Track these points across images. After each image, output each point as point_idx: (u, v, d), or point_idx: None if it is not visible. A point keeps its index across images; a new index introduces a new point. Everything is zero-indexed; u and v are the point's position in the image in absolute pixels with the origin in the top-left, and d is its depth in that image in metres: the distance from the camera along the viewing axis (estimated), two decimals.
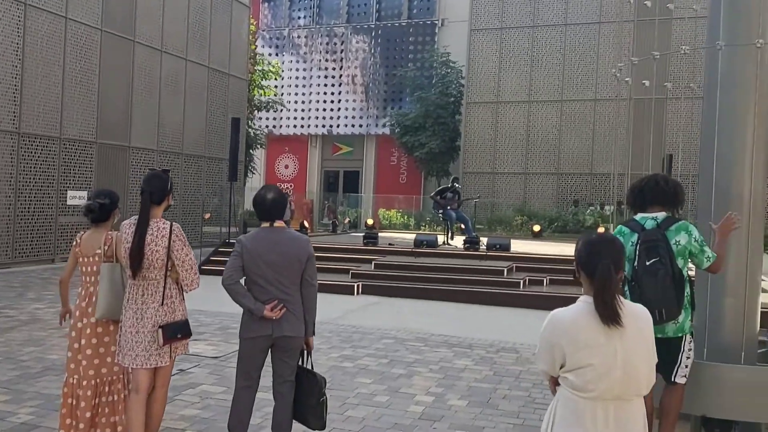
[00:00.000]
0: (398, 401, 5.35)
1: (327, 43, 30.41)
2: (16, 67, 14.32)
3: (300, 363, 3.94)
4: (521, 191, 23.60)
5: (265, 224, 3.87)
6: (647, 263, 3.85)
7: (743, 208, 4.80)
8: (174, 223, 3.95)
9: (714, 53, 4.97)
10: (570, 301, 8.19)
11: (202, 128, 20.14)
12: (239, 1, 22.19)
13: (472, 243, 12.90)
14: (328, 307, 8.99)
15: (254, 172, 25.67)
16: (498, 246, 12.57)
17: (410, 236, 17.41)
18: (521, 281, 10.87)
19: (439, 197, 14.59)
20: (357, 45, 29.96)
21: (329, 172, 30.55)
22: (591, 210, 21.65)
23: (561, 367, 2.40)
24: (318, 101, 30.18)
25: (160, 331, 3.83)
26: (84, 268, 4.35)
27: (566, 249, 14.01)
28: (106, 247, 4.26)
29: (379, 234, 15.03)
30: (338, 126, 29.80)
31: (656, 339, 3.98)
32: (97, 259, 4.30)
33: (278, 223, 3.88)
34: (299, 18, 31.08)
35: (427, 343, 7.59)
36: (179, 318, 3.94)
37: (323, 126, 30.02)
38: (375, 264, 12.08)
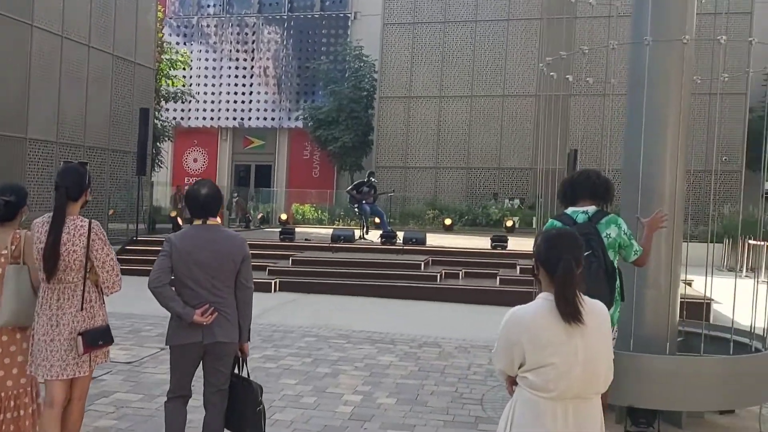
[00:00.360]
0: (326, 402, 5.25)
1: (238, 33, 29.67)
2: None
3: (235, 371, 3.70)
4: (432, 185, 23.92)
5: (198, 221, 3.62)
6: None
7: (665, 202, 5.00)
8: (93, 220, 3.66)
9: (639, 49, 5.13)
10: (485, 294, 8.38)
11: (105, 119, 19.16)
12: None
13: (388, 237, 12.91)
14: None
15: (161, 165, 24.72)
16: (414, 240, 12.65)
17: (326, 231, 17.26)
18: (438, 275, 10.99)
19: (354, 191, 14.53)
20: (269, 36, 29.39)
21: (240, 166, 29.85)
22: (497, 203, 22.16)
23: (520, 367, 2.35)
24: (228, 93, 29.39)
25: (79, 338, 3.54)
26: None
27: (479, 242, 14.31)
28: (12, 248, 3.91)
29: (295, 229, 14.77)
30: (250, 119, 29.15)
31: None
32: (2, 260, 3.93)
33: (212, 221, 3.62)
34: (208, 6, 30.14)
35: (350, 339, 7.51)
36: (99, 323, 3.64)
37: (234, 119, 29.28)
38: (292, 260, 11.89)
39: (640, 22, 5.36)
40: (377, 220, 16.21)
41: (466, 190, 23.78)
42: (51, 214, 3.64)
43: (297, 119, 28.02)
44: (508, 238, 12.86)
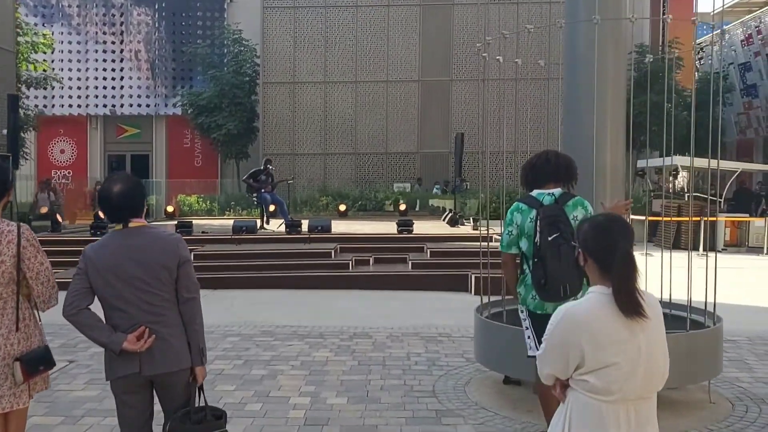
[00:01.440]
0: (274, 407, 4.94)
1: (104, 15, 27.67)
2: None
3: (196, 398, 3.04)
4: (321, 172, 23.68)
5: (117, 227, 2.96)
6: (549, 239, 3.86)
7: (606, 180, 5.08)
8: (22, 224, 3.09)
9: (574, 29, 5.16)
10: (399, 279, 8.26)
11: None
12: None
13: (293, 226, 12.54)
14: None
15: (26, 157, 22.65)
16: (320, 228, 12.37)
17: (219, 223, 16.61)
18: (349, 262, 10.79)
19: (251, 180, 13.99)
20: (139, 18, 27.65)
21: (114, 156, 27.96)
22: (420, 188, 22.11)
23: (575, 369, 2.17)
24: (97, 78, 27.37)
25: (17, 364, 2.99)
26: None
27: (382, 227, 14.25)
28: None
29: (192, 222, 14.00)
30: (122, 106, 27.33)
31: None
32: None
33: (135, 222, 2.96)
34: None
35: (276, 336, 7.17)
36: (36, 345, 3.10)
37: (104, 105, 27.33)
38: (195, 254, 11.20)
39: (574, 2, 5.40)
40: (272, 208, 15.74)
41: (355, 176, 23.73)
42: None
43: (175, 106, 26.63)
44: (413, 221, 12.85)
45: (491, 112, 23.60)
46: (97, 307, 2.91)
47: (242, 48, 25.09)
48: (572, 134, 5.32)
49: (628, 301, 2.10)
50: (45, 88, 24.13)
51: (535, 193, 4.11)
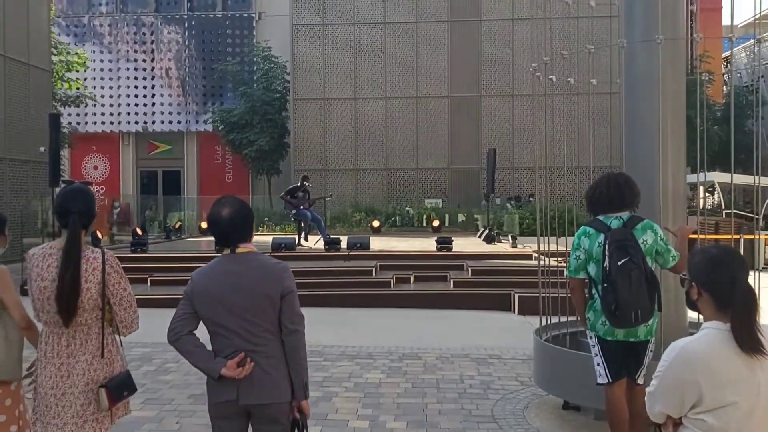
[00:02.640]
0: (332, 431, 4.88)
1: (135, 33, 28.13)
2: None
3: None
4: (353, 187, 23.68)
5: (226, 250, 2.92)
6: (619, 263, 3.79)
7: (669, 201, 4.99)
8: (106, 251, 3.09)
9: (633, 49, 5.10)
10: (441, 298, 8.14)
11: (0, 126, 17.56)
12: None
13: (332, 244, 12.53)
14: None
15: (62, 174, 22.96)
16: (359, 245, 12.34)
17: (255, 239, 16.58)
18: (391, 280, 10.73)
19: (289, 197, 14.03)
20: (169, 36, 28.06)
21: (146, 172, 28.29)
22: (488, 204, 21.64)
23: (691, 408, 2.09)
24: (129, 95, 27.80)
25: (102, 391, 2.98)
26: None
27: (420, 244, 14.19)
28: None
29: None
30: (154, 122, 27.70)
31: (628, 343, 3.99)
32: None
33: (243, 248, 2.92)
34: (100, 5, 28.37)
35: (325, 356, 7.14)
36: (119, 370, 3.09)
37: (137, 122, 27.72)
38: None
39: (632, 23, 5.34)
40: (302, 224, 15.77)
41: (387, 191, 23.71)
42: (52, 244, 3.08)
43: (206, 122, 26.91)
44: (452, 239, 12.76)
45: (524, 127, 23.66)
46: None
47: (272, 65, 25.30)
48: (635, 155, 5.23)
49: (749, 338, 2.03)
50: (78, 106, 24.54)
51: (601, 216, 4.05)
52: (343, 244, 12.69)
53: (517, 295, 9.60)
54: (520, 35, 23.93)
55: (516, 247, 13.08)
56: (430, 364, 6.82)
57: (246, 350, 2.81)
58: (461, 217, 21.41)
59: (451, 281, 10.61)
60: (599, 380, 4.03)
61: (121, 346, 3.21)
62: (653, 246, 3.97)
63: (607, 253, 3.88)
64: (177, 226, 19.26)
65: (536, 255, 5.94)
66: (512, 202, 21.71)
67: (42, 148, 18.72)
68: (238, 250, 2.91)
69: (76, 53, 24.50)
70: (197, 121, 27.52)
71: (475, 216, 20.86)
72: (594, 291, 4.02)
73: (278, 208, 23.06)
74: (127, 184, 27.40)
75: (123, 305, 3.06)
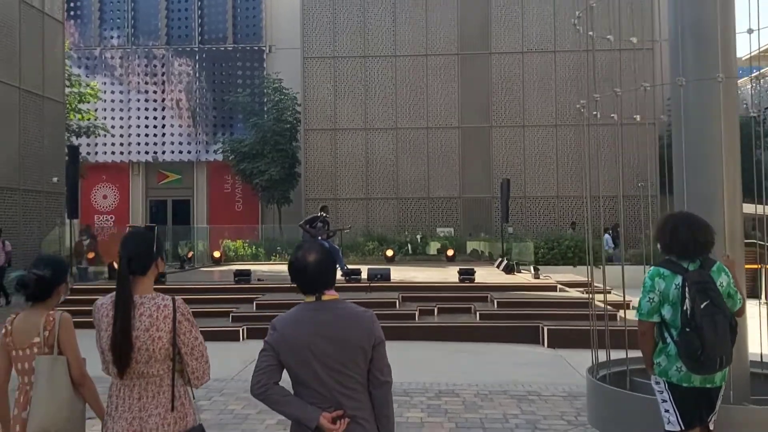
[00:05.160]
0: None
1: (146, 65, 28.35)
2: None
3: None
4: (364, 216, 23.64)
5: (309, 298, 2.79)
6: (701, 306, 3.65)
7: (726, 240, 4.87)
8: (176, 298, 2.93)
9: (678, 88, 5.04)
10: (467, 330, 7.94)
11: (15, 157, 17.59)
12: (51, 16, 19.93)
13: (352, 274, 12.41)
14: (224, 358, 8.06)
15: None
16: (379, 276, 12.20)
17: (269, 268, 16.49)
18: (415, 313, 10.58)
19: (308, 226, 13.94)
20: (180, 68, 28.28)
21: (155, 201, 28.28)
22: (575, 232, 21.16)
23: None
24: (139, 126, 27.93)
25: None
26: (19, 365, 3.24)
27: (439, 275, 14.05)
28: (46, 334, 3.19)
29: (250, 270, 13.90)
30: (164, 152, 27.77)
31: (704, 389, 3.85)
32: (35, 350, 3.21)
33: (328, 295, 2.79)
34: (112, 38, 28.65)
35: None
36: (191, 424, 2.91)
37: (147, 152, 27.79)
38: (257, 304, 11.14)
39: (678, 61, 5.27)
40: None
41: (398, 221, 23.67)
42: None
43: (216, 152, 26.99)
44: (475, 270, 12.63)
45: (535, 158, 23.70)
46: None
47: (283, 96, 25.45)
48: (696, 192, 5.07)
49: None
50: (89, 136, 24.63)
51: (673, 257, 3.92)
52: (363, 275, 12.55)
53: (546, 328, 9.46)
54: (530, 67, 24.12)
55: (539, 278, 12.95)
56: (469, 401, 6.66)
57: (339, 403, 2.70)
58: (472, 246, 21.35)
59: (477, 313, 10.47)
60: (669, 427, 3.88)
61: (194, 398, 3.07)
62: (727, 289, 3.85)
63: (687, 295, 3.73)
64: (189, 255, 19.14)
65: (591, 289, 5.74)
66: (608, 233, 19.61)
67: (55, 179, 18.79)
68: (324, 298, 2.79)
69: (89, 85, 24.68)
70: (207, 151, 27.59)
71: (481, 247, 20.77)
72: (666, 335, 3.87)
73: (289, 237, 23.00)
74: (137, 214, 27.36)
75: (194, 355, 2.90)
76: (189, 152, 27.72)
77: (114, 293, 2.91)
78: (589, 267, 5.59)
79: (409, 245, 21.18)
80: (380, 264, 17.15)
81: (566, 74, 23.91)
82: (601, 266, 5.72)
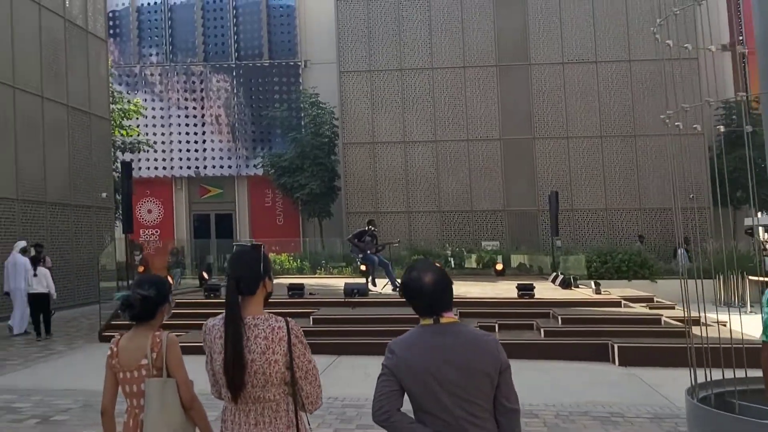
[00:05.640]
0: None
1: (185, 82, 28.70)
2: None
3: None
4: (406, 230, 23.47)
5: (426, 321, 2.67)
6: None
7: None
8: (290, 320, 2.83)
9: None
10: (532, 348, 7.70)
11: (65, 174, 17.86)
12: (95, 35, 20.27)
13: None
14: None
15: (119, 218, 23.26)
16: None
17: (316, 282, 16.40)
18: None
19: (356, 240, 13.85)
20: (218, 84, 28.57)
21: (198, 215, 28.54)
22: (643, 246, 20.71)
23: None
24: (180, 141, 28.26)
25: None
26: (127, 388, 3.18)
27: (490, 289, 13.80)
28: (154, 356, 3.14)
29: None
30: (205, 167, 28.04)
31: None
32: (144, 373, 3.15)
33: (447, 317, 2.66)
34: (151, 55, 29.08)
35: None
36: None
37: (189, 167, 28.09)
38: (313, 319, 11.04)
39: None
40: (363, 268, 15.55)
41: (441, 234, 23.46)
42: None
43: (256, 167, 27.17)
44: (534, 285, 12.35)
45: (581, 169, 23.37)
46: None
47: (320, 110, 25.54)
48: None
49: None
50: (133, 152, 24.92)
51: None
52: None
53: (616, 345, 9.18)
54: (571, 78, 23.84)
55: (600, 293, 12.63)
56: (551, 423, 6.45)
57: (463, 430, 2.56)
58: (518, 260, 21.05)
59: (541, 330, 10.20)
60: None
61: (309, 425, 2.93)
62: None
63: None
64: None
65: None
66: (685, 247, 19.80)
67: (104, 194, 19.03)
68: (443, 320, 2.66)
69: (132, 101, 25.03)
70: (247, 166, 27.78)
71: (526, 261, 20.45)
72: None
73: (331, 250, 22.98)
74: (181, 228, 27.62)
75: (308, 379, 2.78)
76: (230, 167, 27.95)
77: (223, 315, 2.82)
78: (686, 281, 5.34)
79: (451, 259, 20.96)
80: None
81: (609, 85, 23.61)
82: (681, 281, 5.47)
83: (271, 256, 21.26)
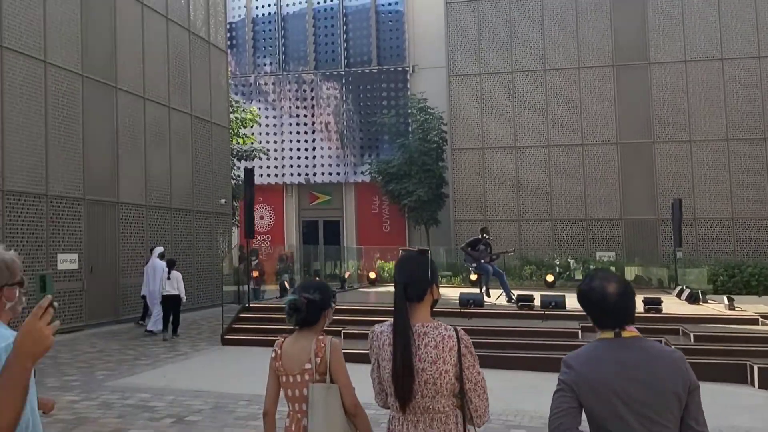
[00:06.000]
0: None
1: (296, 90, 29.50)
2: None
3: None
4: (516, 238, 22.95)
5: (606, 334, 2.51)
6: None
7: None
8: (459, 329, 2.75)
9: None
10: None
11: (188, 181, 18.74)
12: (216, 47, 21.14)
13: (525, 301, 11.91)
14: None
15: (236, 224, 24.25)
16: (553, 303, 11.59)
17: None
18: None
19: (470, 249, 13.64)
20: (328, 92, 29.17)
21: (307, 222, 29.25)
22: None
23: None
24: (291, 149, 29.08)
25: None
26: (289, 392, 3.17)
27: None
28: (318, 360, 3.10)
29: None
30: (315, 174, 28.71)
31: None
32: (307, 378, 3.11)
33: (629, 331, 2.50)
34: (265, 65, 30.10)
35: None
36: None
37: (299, 174, 28.86)
38: None
39: None
40: (473, 277, 15.31)
41: (553, 243, 22.76)
42: (393, 320, 2.78)
43: (364, 173, 27.51)
44: (662, 300, 11.68)
45: (705, 175, 22.05)
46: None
47: (428, 116, 25.48)
48: None
49: None
50: (250, 160, 25.88)
51: None
52: (535, 302, 12.01)
53: (756, 366, 8.51)
54: (695, 77, 22.54)
55: (733, 308, 11.79)
56: None
57: None
58: (634, 272, 20.07)
59: (672, 348, 9.60)
60: None
61: None
62: None
63: None
64: (347, 275, 19.45)
65: None
66: None
67: (222, 200, 19.81)
68: (625, 334, 2.49)
69: (249, 111, 25.99)
70: (355, 173, 28.17)
71: (642, 273, 19.43)
72: None
73: (437, 259, 22.82)
74: (291, 234, 28.37)
75: (477, 391, 2.71)
76: (338, 174, 28.45)
77: (391, 321, 2.79)
78: None
79: (560, 269, 20.28)
80: (539, 290, 16.47)
81: (736, 84, 22.13)
82: None
83: (378, 263, 21.41)
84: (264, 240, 28.55)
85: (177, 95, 18.56)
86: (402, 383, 2.65)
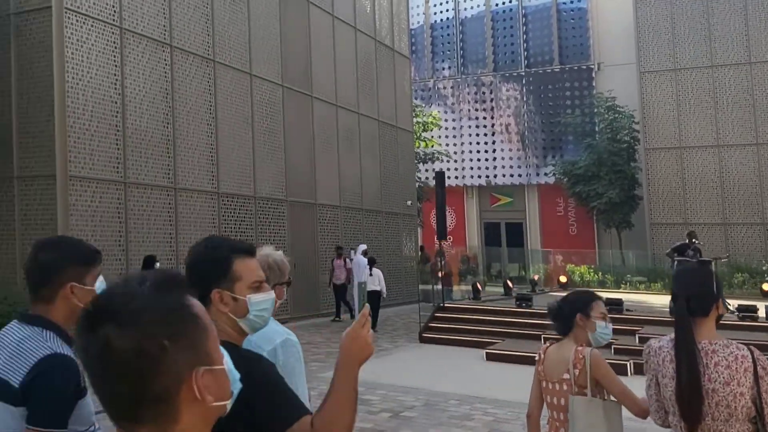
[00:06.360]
0: None
1: (475, 93, 29.36)
2: (211, 126, 13.87)
3: None
4: (722, 244, 20.99)
5: None
6: None
7: None
8: (752, 348, 2.53)
9: None
10: None
11: (377, 183, 19.32)
12: (400, 53, 21.58)
13: (746, 311, 10.80)
14: None
15: (422, 226, 24.70)
16: None
17: (626, 297, 15.38)
18: None
19: (676, 255, 12.65)
20: (507, 93, 28.71)
21: (489, 224, 29.00)
22: None
23: None
24: (471, 151, 28.98)
25: None
26: (548, 398, 3.13)
27: None
28: (576, 372, 3.00)
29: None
30: (495, 176, 28.39)
31: None
32: (565, 388, 3.04)
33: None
34: (443, 69, 30.29)
35: None
36: None
37: (479, 176, 28.69)
38: (639, 337, 10.28)
39: None
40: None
41: (766, 249, 20.56)
42: (673, 335, 2.59)
43: (547, 175, 26.73)
44: None
45: None
46: None
47: (617, 114, 24.19)
48: None
49: None
50: (431, 162, 26.16)
51: None
52: (760, 313, 10.83)
53: None
54: None
55: None
56: None
57: None
58: None
59: None
60: None
61: None
62: None
63: None
64: (536, 278, 18.97)
65: None
66: None
67: (408, 202, 20.17)
68: None
69: (431, 114, 26.29)
70: (537, 174, 27.46)
71: None
72: None
73: (633, 263, 21.57)
74: (472, 235, 28.28)
75: None
76: (520, 175, 27.90)
77: (671, 336, 2.62)
78: None
79: None
80: (754, 299, 14.88)
81: None
82: None
83: (569, 267, 20.62)
84: (446, 241, 28.70)
85: (365, 101, 19.18)
86: (689, 404, 2.50)
